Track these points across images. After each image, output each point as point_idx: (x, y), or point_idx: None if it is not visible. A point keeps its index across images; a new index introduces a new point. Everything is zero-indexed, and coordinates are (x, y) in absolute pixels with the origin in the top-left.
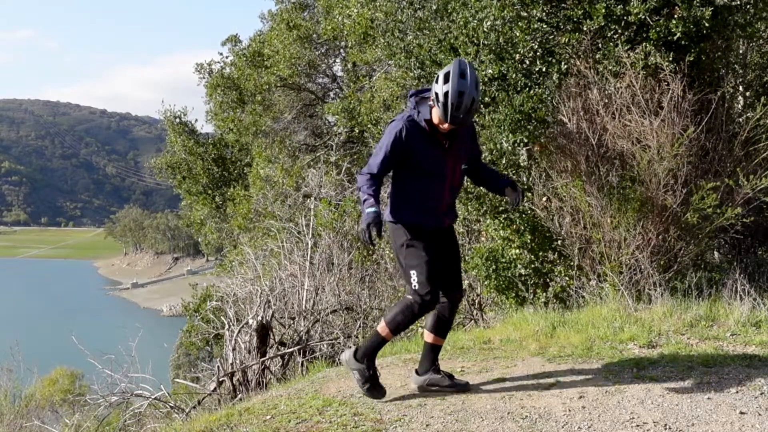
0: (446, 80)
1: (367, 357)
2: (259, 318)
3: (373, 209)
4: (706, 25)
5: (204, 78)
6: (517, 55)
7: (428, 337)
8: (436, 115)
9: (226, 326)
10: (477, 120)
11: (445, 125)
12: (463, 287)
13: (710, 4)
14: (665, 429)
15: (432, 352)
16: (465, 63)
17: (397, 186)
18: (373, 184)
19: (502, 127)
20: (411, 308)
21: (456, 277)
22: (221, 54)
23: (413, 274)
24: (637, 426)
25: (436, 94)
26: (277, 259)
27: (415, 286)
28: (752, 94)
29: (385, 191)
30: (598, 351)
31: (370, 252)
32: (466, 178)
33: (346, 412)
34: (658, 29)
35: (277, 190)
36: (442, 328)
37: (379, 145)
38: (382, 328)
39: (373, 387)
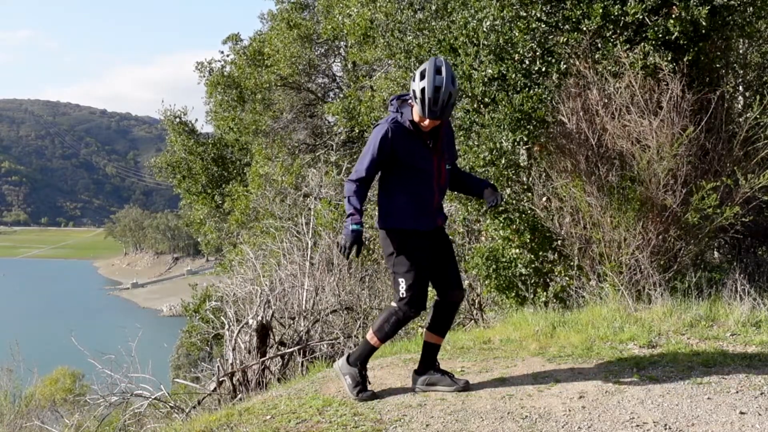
0: (422, 77)
1: (359, 362)
2: (259, 318)
3: (357, 227)
4: (704, 24)
5: (204, 76)
6: (517, 55)
7: (428, 336)
8: (416, 113)
9: (226, 326)
10: (477, 119)
11: (426, 122)
12: (464, 287)
13: (707, 3)
14: (665, 429)
15: (432, 351)
16: (441, 60)
17: (386, 191)
18: (361, 194)
19: (502, 126)
20: (396, 316)
21: (453, 275)
22: (222, 52)
23: (401, 282)
24: (637, 426)
25: (414, 91)
26: (276, 259)
27: (402, 294)
28: (752, 94)
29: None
30: (598, 351)
31: (370, 252)
32: None
33: (346, 412)
34: (656, 29)
35: (276, 189)
36: (441, 328)
37: (365, 149)
38: (370, 336)
39: (363, 390)
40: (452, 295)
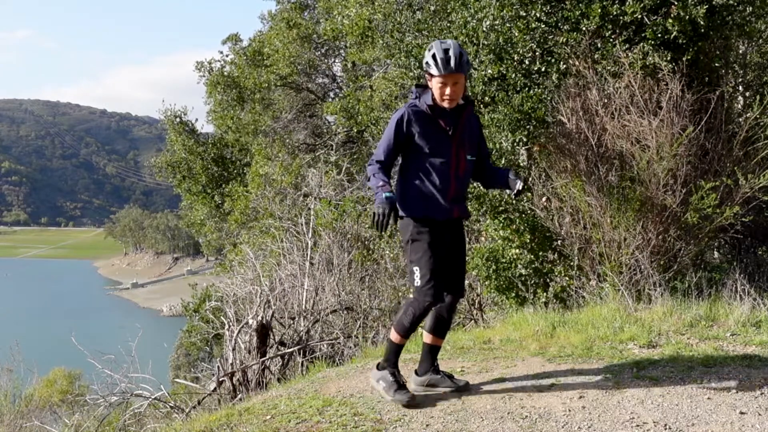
0: (430, 49)
1: (388, 363)
2: (259, 318)
3: (389, 194)
4: (703, 24)
5: (204, 76)
6: (516, 55)
7: (427, 338)
8: (435, 89)
9: (226, 326)
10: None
11: (446, 96)
12: (465, 288)
13: (706, 2)
14: (665, 429)
15: (431, 352)
16: (445, 40)
17: (404, 178)
18: (383, 172)
19: (501, 127)
20: (412, 306)
21: (459, 277)
22: (221, 53)
23: (416, 270)
24: (637, 426)
25: (427, 63)
26: (276, 259)
27: (417, 282)
28: (752, 94)
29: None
30: (598, 351)
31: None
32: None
33: (346, 412)
34: (655, 29)
35: (276, 189)
36: (440, 329)
37: (385, 133)
38: (393, 334)
39: (400, 390)
40: (458, 294)
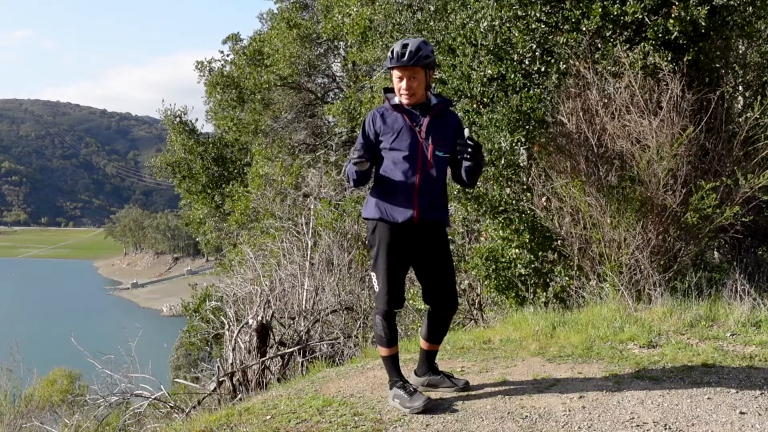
0: (391, 47)
1: (393, 379)
2: (259, 318)
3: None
4: (703, 24)
5: (204, 76)
6: (516, 55)
7: (423, 344)
8: (396, 88)
9: (226, 326)
10: (476, 120)
11: (403, 92)
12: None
13: (707, 3)
14: (665, 429)
15: (428, 357)
16: (410, 38)
17: (375, 181)
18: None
19: (500, 127)
20: (378, 316)
21: (444, 286)
22: (221, 52)
23: (373, 276)
24: (637, 426)
25: (389, 59)
26: (276, 259)
27: (375, 288)
28: (752, 94)
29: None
30: (598, 351)
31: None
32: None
33: (346, 412)
34: (655, 29)
35: (276, 189)
36: (435, 336)
37: (358, 138)
38: (379, 349)
39: (412, 397)
40: (443, 308)
